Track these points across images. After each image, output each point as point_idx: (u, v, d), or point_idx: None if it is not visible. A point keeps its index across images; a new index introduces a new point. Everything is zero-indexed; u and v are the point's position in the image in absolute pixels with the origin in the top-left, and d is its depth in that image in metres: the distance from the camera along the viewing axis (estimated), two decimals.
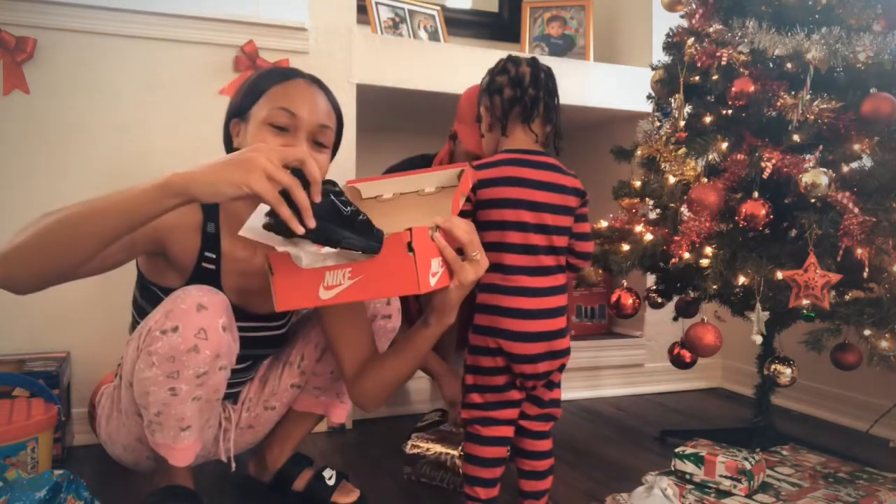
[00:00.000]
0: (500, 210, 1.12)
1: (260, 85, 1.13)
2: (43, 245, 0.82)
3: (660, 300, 1.77)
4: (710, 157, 1.54)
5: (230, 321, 1.04)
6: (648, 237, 1.64)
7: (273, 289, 0.89)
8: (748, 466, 1.33)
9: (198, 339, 0.97)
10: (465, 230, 0.96)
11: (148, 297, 1.15)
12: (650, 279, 1.85)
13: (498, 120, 1.18)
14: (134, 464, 1.23)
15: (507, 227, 1.12)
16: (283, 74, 1.15)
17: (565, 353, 1.15)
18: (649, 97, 1.80)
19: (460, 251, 0.97)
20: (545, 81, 1.18)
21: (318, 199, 0.83)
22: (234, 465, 1.22)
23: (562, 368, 1.16)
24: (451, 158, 1.74)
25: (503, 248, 1.12)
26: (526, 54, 1.24)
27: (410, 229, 0.81)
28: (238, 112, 1.14)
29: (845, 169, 1.45)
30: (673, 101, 1.69)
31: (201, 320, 0.98)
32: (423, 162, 1.83)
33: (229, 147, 1.18)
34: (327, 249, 0.83)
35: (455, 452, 1.42)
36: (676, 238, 1.51)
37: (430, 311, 1.05)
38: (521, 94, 1.16)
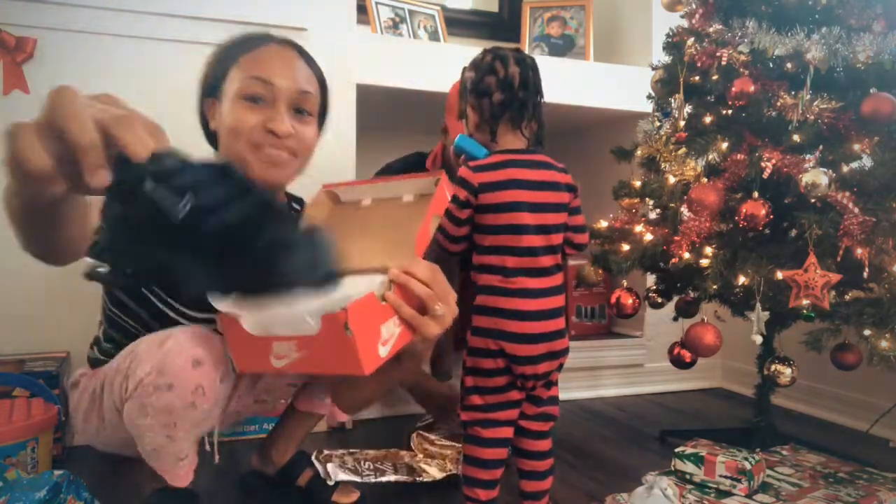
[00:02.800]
0: (503, 214, 1.12)
1: (228, 56, 1.04)
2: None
3: (660, 300, 1.77)
4: (710, 157, 1.54)
5: (227, 368, 0.94)
6: (648, 237, 1.64)
7: (229, 351, 0.83)
8: (748, 466, 1.33)
9: (195, 396, 0.89)
10: (423, 282, 0.85)
11: (128, 290, 1.08)
12: (650, 279, 1.85)
13: (486, 123, 1.16)
14: (119, 451, 1.18)
15: (509, 230, 1.12)
16: (252, 41, 1.06)
17: (564, 352, 1.15)
18: (649, 97, 1.80)
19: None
20: (533, 80, 1.16)
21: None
22: (217, 456, 1.16)
23: (560, 368, 1.16)
24: (444, 153, 1.74)
25: (505, 251, 1.12)
26: (509, 46, 1.21)
27: (346, 309, 0.72)
28: (210, 90, 1.06)
29: (845, 169, 1.45)
30: (673, 101, 1.69)
31: (198, 377, 0.88)
32: (419, 159, 1.82)
33: (206, 131, 1.11)
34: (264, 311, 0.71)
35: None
36: (676, 238, 1.50)
37: (402, 353, 0.97)
38: (510, 98, 1.14)
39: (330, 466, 1.33)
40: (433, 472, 1.42)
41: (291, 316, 0.75)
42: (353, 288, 0.81)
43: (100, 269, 0.50)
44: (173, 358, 0.87)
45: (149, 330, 1.04)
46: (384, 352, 0.81)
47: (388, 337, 0.82)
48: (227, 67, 1.03)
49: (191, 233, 0.48)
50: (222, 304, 0.77)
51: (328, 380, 1.23)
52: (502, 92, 1.14)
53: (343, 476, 1.31)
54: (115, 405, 0.98)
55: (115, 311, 1.09)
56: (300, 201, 1.27)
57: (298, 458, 1.37)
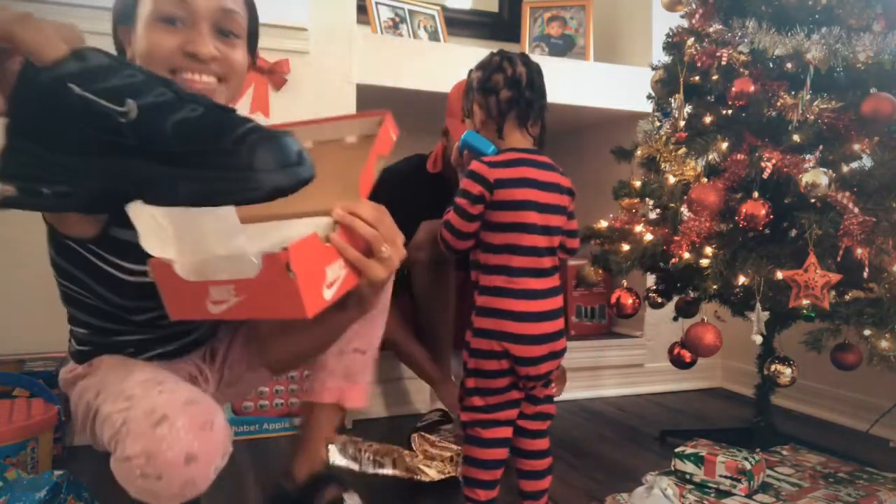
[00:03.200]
0: (514, 212, 1.12)
1: None
2: None
3: (660, 300, 1.77)
4: (710, 157, 1.54)
5: (225, 448, 0.82)
6: (648, 237, 1.64)
7: (162, 297, 0.77)
8: (748, 466, 1.33)
9: (184, 488, 0.78)
10: (369, 223, 0.81)
11: (68, 256, 0.95)
12: (650, 279, 1.85)
13: (493, 120, 1.17)
14: None
15: (521, 229, 1.12)
16: None
17: (563, 352, 1.15)
18: (649, 97, 1.80)
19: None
20: (538, 82, 1.17)
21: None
22: None
23: (557, 367, 1.17)
24: (445, 155, 1.74)
25: (513, 250, 1.12)
26: (515, 51, 1.22)
27: (287, 249, 0.68)
28: (122, 17, 0.95)
29: (845, 169, 1.45)
30: (673, 101, 1.69)
31: (190, 473, 0.76)
32: (419, 161, 1.83)
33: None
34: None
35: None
36: (676, 238, 1.50)
37: (348, 298, 0.89)
38: (517, 95, 1.15)
39: (331, 448, 1.30)
40: (431, 473, 1.42)
41: (230, 257, 0.70)
42: (295, 231, 0.77)
43: (8, 194, 0.44)
44: (165, 450, 0.75)
45: (102, 300, 0.97)
46: (329, 294, 0.76)
47: (334, 279, 0.77)
48: None
49: (144, 136, 0.44)
50: (155, 248, 0.70)
51: (266, 328, 1.12)
52: (510, 89, 1.15)
53: (341, 461, 1.29)
54: (103, 449, 0.88)
55: (64, 283, 1.01)
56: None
57: (322, 478, 1.22)
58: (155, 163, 0.46)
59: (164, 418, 0.76)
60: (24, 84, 0.42)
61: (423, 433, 1.54)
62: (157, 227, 0.67)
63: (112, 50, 1.02)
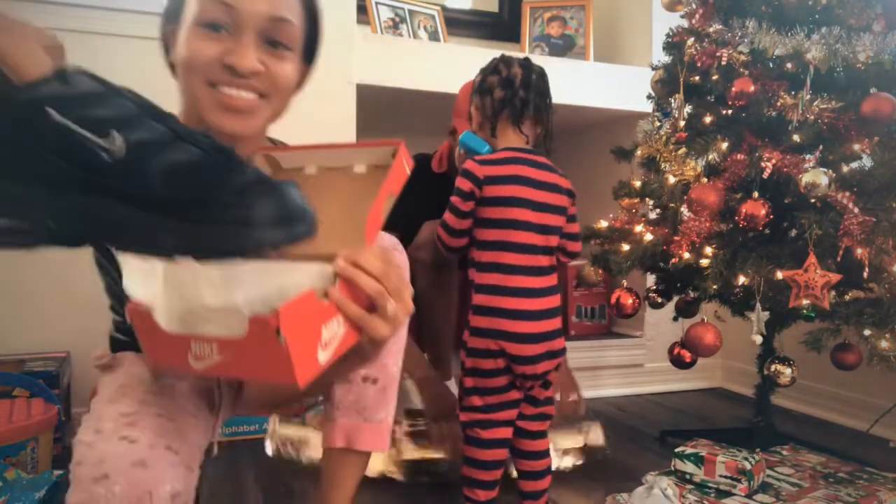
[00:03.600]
0: (506, 209, 1.12)
1: None
2: None
3: (660, 300, 1.77)
4: (710, 157, 1.54)
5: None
6: (648, 237, 1.64)
7: (141, 344, 0.72)
8: (748, 466, 1.33)
9: None
10: (374, 276, 0.71)
11: (99, 247, 0.92)
12: (650, 279, 1.85)
13: (487, 120, 1.18)
14: None
15: (511, 225, 1.12)
16: None
17: (562, 352, 1.15)
18: (649, 97, 1.80)
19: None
20: (536, 83, 1.18)
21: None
22: (215, 449, 1.00)
23: (557, 367, 1.17)
24: (451, 154, 1.74)
25: (505, 246, 1.12)
26: (520, 55, 1.24)
27: (277, 312, 0.60)
28: (169, 15, 0.89)
29: (845, 169, 1.45)
30: (673, 101, 1.69)
31: None
32: (422, 160, 1.82)
33: (169, 64, 0.94)
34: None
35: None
36: (676, 238, 1.50)
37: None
38: (510, 95, 1.16)
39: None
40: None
41: (220, 310, 0.62)
42: (292, 279, 0.70)
43: None
44: (146, 491, 0.72)
45: (116, 299, 0.93)
46: (324, 357, 0.68)
47: (330, 339, 0.69)
48: None
49: (127, 177, 0.38)
50: (136, 291, 0.63)
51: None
52: (503, 89, 1.17)
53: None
54: None
55: (100, 272, 0.97)
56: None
57: None
58: (136, 208, 0.41)
59: (105, 477, 0.72)
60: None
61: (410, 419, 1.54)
62: (143, 265, 0.61)
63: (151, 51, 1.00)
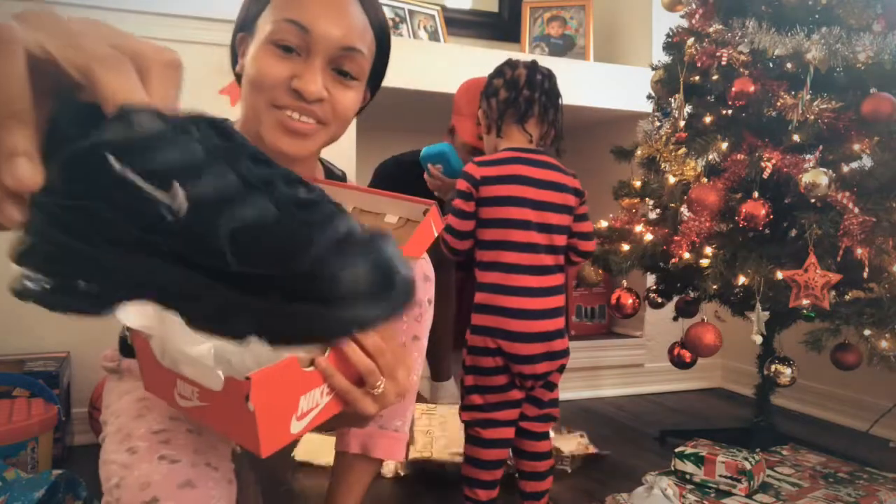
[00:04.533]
0: (504, 208, 1.13)
1: None
2: None
3: (660, 300, 1.77)
4: (710, 157, 1.54)
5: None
6: (648, 237, 1.64)
7: (139, 366, 0.71)
8: (748, 466, 1.33)
9: None
10: (368, 352, 0.67)
11: None
12: (650, 279, 1.85)
13: (494, 122, 1.19)
14: None
15: (511, 224, 1.12)
16: None
17: (564, 353, 1.15)
18: (649, 97, 1.80)
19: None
20: (541, 82, 1.19)
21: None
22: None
23: (561, 369, 1.16)
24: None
25: (505, 246, 1.12)
26: (527, 57, 1.25)
27: (249, 378, 0.57)
28: (244, 23, 0.88)
29: (845, 169, 1.45)
30: (673, 101, 1.69)
31: None
32: None
33: (235, 73, 0.94)
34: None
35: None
36: (676, 238, 1.51)
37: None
38: (515, 95, 1.17)
39: None
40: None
41: (194, 360, 0.58)
42: None
43: (29, 282, 0.34)
44: None
45: None
46: (298, 427, 0.64)
47: (310, 409, 0.65)
48: (264, 1, 0.84)
49: (189, 239, 0.32)
50: (132, 319, 0.63)
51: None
52: (507, 90, 1.18)
53: None
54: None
55: None
56: (340, 178, 1.05)
57: None
58: (201, 275, 0.34)
59: (154, 501, 0.71)
60: (54, 143, 0.31)
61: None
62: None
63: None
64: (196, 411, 0.64)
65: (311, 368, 0.63)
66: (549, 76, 1.21)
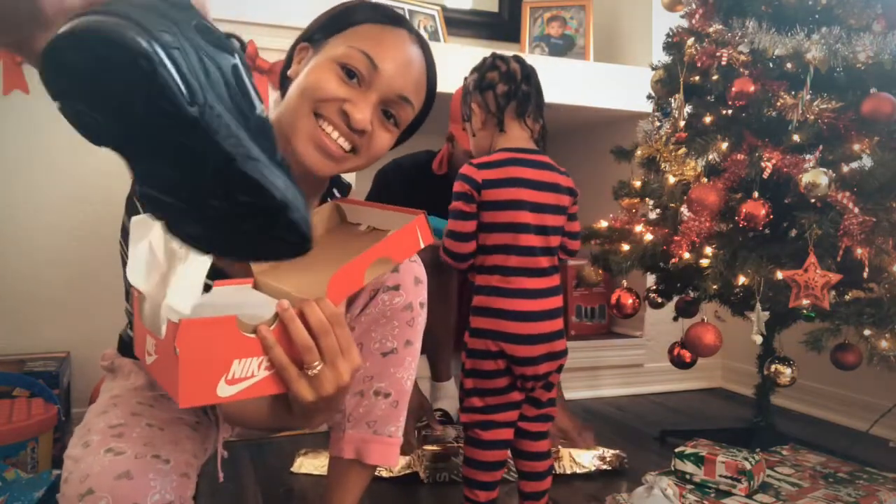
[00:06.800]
0: (506, 212, 1.12)
1: (353, 15, 0.91)
2: None
3: (660, 300, 1.77)
4: (710, 157, 1.54)
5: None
6: (648, 237, 1.64)
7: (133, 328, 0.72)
8: (748, 466, 1.33)
9: None
10: (311, 329, 0.66)
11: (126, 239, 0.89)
12: (650, 279, 1.85)
13: (493, 115, 1.18)
14: None
15: (512, 228, 1.12)
16: (388, 16, 0.92)
17: (563, 353, 1.15)
18: (649, 97, 1.80)
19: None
20: (534, 78, 1.19)
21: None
22: (221, 475, 0.96)
23: (560, 369, 1.16)
24: (450, 160, 1.74)
25: (508, 250, 1.12)
26: (510, 53, 1.25)
27: (179, 322, 0.58)
28: (311, 36, 0.92)
29: (845, 169, 1.45)
30: (673, 101, 1.69)
31: None
32: (428, 157, 1.82)
33: (283, 75, 0.97)
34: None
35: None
36: (676, 238, 1.50)
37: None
38: (514, 88, 1.17)
39: None
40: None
41: (166, 307, 0.60)
42: (252, 301, 0.70)
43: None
44: (132, 502, 0.71)
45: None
46: (227, 392, 0.63)
47: (244, 377, 0.64)
48: (344, 25, 0.89)
49: (192, 132, 0.40)
50: (137, 279, 0.63)
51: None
52: (506, 83, 1.17)
53: None
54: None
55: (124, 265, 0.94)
56: (345, 187, 1.11)
57: None
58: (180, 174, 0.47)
59: (89, 492, 0.71)
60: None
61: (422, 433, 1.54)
62: (148, 257, 0.60)
63: None
64: (154, 366, 0.65)
65: (253, 335, 0.64)
66: (536, 72, 1.22)
